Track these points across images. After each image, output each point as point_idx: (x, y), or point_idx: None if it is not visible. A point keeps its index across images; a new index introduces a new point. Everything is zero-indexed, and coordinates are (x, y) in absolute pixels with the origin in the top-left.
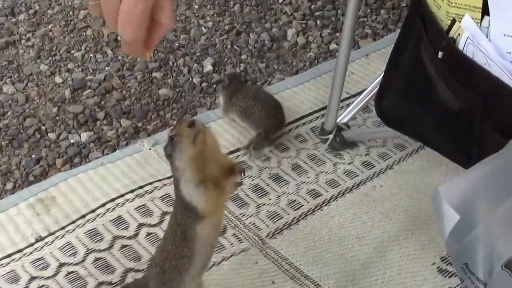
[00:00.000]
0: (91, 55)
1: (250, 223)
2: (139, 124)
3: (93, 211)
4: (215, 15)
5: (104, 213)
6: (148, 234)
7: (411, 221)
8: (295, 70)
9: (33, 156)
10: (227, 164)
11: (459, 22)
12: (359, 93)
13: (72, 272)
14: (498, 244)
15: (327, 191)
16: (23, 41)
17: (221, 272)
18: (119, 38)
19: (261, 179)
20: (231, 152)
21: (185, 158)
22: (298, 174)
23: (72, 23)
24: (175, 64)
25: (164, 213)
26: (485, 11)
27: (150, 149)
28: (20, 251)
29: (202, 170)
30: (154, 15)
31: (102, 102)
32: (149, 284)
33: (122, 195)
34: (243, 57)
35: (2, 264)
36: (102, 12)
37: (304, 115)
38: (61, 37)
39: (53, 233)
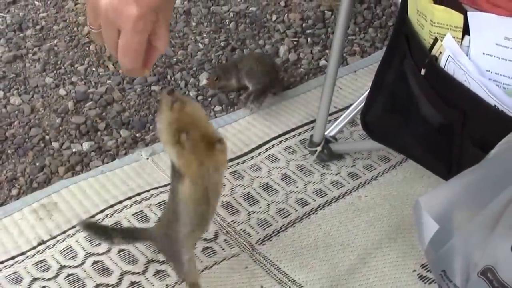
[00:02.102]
0: (94, 69)
1: (241, 229)
2: (137, 135)
3: (92, 216)
4: (212, 32)
5: (103, 219)
6: None
7: (394, 229)
8: (287, 85)
9: (37, 164)
10: (210, 133)
11: (441, 41)
12: (347, 108)
13: (71, 274)
14: (474, 253)
15: (315, 200)
16: (30, 55)
17: (213, 275)
18: None
19: (252, 188)
20: (230, 160)
21: (162, 120)
22: (287, 184)
23: (76, 39)
24: (172, 78)
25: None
26: (466, 31)
27: (147, 158)
28: (23, 253)
29: (178, 134)
30: (152, 41)
31: (103, 114)
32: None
33: (120, 202)
34: None
35: (6, 266)
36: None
37: (294, 128)
38: (66, 52)
39: (54, 237)
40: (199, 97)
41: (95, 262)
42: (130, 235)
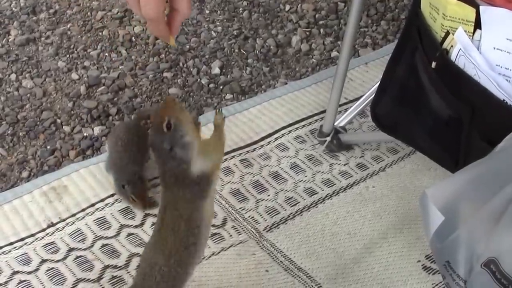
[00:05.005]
0: (106, 54)
1: (249, 216)
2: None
3: (102, 200)
4: (225, 20)
5: (113, 203)
6: (154, 223)
7: (400, 220)
8: (298, 75)
9: (48, 147)
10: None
11: (453, 34)
12: (357, 99)
13: (80, 256)
14: (478, 245)
15: (323, 190)
16: (42, 39)
17: (220, 261)
18: (133, 39)
19: (261, 176)
20: (241, 148)
21: (189, 135)
22: (296, 173)
23: (89, 23)
24: (185, 65)
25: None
26: (478, 25)
27: None
28: (32, 235)
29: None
30: (173, 4)
31: (115, 99)
32: None
33: None
34: (250, 61)
35: (15, 247)
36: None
37: (304, 118)
38: (79, 36)
39: (64, 220)
40: (211, 85)
41: (104, 245)
42: None
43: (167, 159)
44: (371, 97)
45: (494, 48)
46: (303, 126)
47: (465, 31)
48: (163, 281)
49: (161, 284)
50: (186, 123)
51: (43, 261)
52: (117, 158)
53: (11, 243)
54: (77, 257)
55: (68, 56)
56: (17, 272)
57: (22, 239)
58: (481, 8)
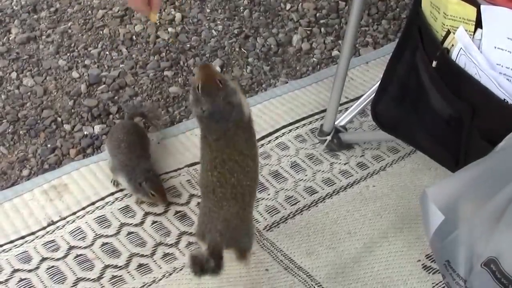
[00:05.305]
0: (107, 52)
1: None
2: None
3: (102, 199)
4: (225, 19)
5: (113, 202)
6: (154, 222)
7: (400, 220)
8: (299, 74)
9: (48, 145)
10: None
11: (454, 33)
12: (357, 98)
13: (80, 255)
14: (478, 244)
15: (323, 189)
16: (43, 37)
17: None
18: (134, 37)
19: (262, 175)
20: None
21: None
22: (296, 172)
23: (90, 22)
24: (185, 64)
25: (169, 204)
26: (478, 24)
27: (158, 143)
28: (33, 233)
29: None
30: None
31: (116, 97)
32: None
33: None
34: (250, 60)
35: (16, 245)
36: None
37: (305, 117)
38: (80, 35)
39: (64, 218)
40: None
41: (104, 244)
42: None
43: (230, 113)
44: (372, 96)
45: (495, 47)
46: (304, 125)
47: (466, 30)
48: (246, 222)
49: (245, 222)
50: (224, 75)
51: (44, 259)
52: (126, 160)
53: (12, 241)
54: (78, 255)
55: (68, 54)
56: (18, 270)
57: (23, 237)
58: (482, 7)
